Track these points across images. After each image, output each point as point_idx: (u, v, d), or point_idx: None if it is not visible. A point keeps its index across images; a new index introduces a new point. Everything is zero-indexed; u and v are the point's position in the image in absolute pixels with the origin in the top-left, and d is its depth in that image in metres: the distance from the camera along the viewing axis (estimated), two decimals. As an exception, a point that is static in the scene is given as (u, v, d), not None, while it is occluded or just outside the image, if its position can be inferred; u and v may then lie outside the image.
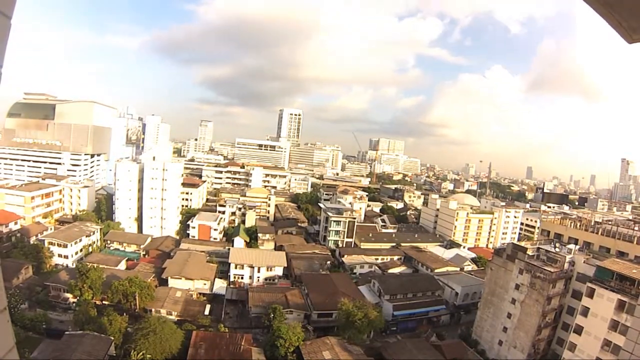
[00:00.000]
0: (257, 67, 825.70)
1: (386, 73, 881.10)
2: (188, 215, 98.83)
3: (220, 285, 66.13)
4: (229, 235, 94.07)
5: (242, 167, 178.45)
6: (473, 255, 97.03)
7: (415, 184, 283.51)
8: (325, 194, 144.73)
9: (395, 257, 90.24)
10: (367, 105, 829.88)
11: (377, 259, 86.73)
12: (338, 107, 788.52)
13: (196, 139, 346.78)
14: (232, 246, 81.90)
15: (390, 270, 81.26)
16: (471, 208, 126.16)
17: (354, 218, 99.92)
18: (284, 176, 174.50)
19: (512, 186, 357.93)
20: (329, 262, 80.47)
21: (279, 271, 71.67)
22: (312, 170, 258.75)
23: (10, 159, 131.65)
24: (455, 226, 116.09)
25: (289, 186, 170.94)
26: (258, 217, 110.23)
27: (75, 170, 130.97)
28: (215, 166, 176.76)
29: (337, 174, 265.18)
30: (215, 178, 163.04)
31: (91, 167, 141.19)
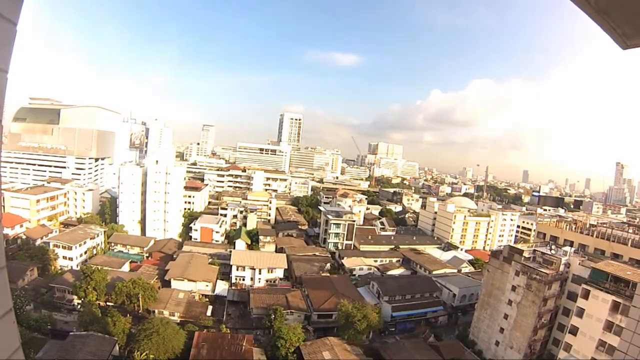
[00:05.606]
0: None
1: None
2: (190, 218, 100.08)
3: (222, 287, 66.85)
4: (230, 238, 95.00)
5: (244, 170, 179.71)
6: (470, 257, 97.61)
7: (413, 188, 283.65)
8: (325, 197, 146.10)
9: (394, 259, 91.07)
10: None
11: (376, 261, 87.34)
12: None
13: (198, 143, 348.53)
14: (234, 248, 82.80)
15: (389, 272, 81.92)
16: (468, 211, 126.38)
17: (354, 221, 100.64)
18: (285, 180, 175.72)
19: (509, 189, 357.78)
20: (328, 264, 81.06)
21: (279, 273, 72.52)
22: (312, 174, 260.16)
23: (16, 163, 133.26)
24: (453, 229, 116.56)
25: (290, 189, 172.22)
26: (259, 219, 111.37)
27: (79, 174, 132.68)
28: (217, 170, 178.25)
29: (337, 178, 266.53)
30: (217, 181, 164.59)
31: (95, 171, 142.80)
